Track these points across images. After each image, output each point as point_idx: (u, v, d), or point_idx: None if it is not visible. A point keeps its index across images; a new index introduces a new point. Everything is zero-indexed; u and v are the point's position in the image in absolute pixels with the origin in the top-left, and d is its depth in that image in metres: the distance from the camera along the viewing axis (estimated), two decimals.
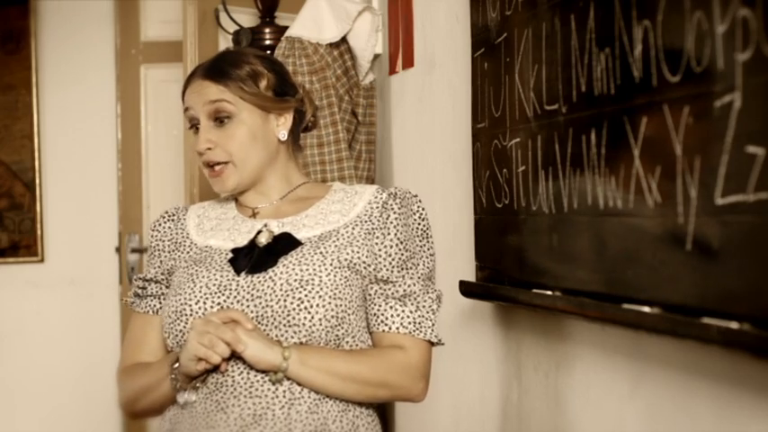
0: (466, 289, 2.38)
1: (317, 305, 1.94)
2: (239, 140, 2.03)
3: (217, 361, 1.91)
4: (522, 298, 2.12)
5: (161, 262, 2.10)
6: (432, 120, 2.84)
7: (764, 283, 1.34)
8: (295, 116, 2.09)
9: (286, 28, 3.34)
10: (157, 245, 2.12)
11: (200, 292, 1.99)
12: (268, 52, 3.42)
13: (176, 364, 1.95)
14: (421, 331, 1.99)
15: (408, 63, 3.01)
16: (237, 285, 1.98)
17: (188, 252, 2.08)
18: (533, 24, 2.04)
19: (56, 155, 4.62)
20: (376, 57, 3.32)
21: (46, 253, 4.61)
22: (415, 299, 2.01)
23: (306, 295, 1.94)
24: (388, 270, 1.99)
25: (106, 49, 4.62)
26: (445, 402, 2.76)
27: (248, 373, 1.95)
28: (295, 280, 1.96)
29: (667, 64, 1.55)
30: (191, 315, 1.98)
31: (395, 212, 2.02)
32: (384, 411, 2.17)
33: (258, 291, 1.97)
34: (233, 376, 1.95)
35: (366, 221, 2.02)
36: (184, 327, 1.98)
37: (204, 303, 1.98)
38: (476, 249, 2.37)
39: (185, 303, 1.99)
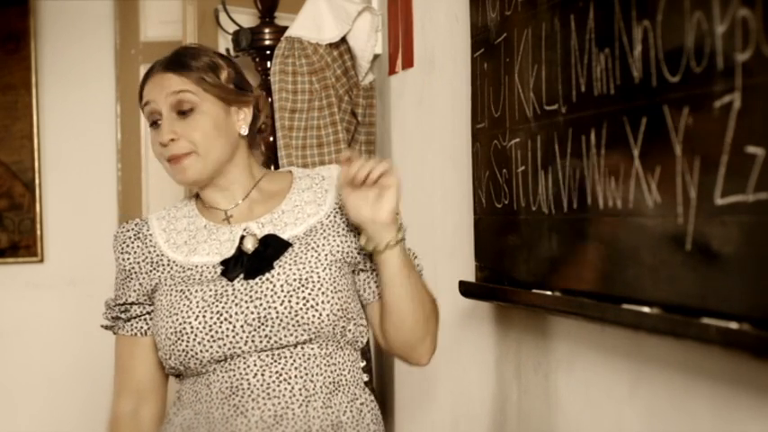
0: (466, 289, 2.38)
1: (323, 302, 1.95)
2: (203, 131, 2.01)
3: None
4: (521, 298, 2.11)
5: (140, 284, 2.07)
6: (432, 120, 2.84)
7: (764, 283, 1.34)
8: (255, 112, 2.10)
9: (286, 28, 3.34)
10: (133, 267, 2.07)
11: (196, 306, 1.97)
12: (267, 52, 3.43)
13: None
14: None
15: (408, 63, 3.01)
16: (234, 290, 1.98)
17: (169, 271, 2.04)
18: (533, 24, 2.04)
19: (56, 155, 4.61)
20: (376, 57, 3.32)
21: (46, 253, 4.60)
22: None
23: (309, 293, 1.95)
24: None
25: (106, 49, 4.61)
26: (445, 402, 2.75)
27: (263, 375, 1.95)
28: (294, 279, 1.96)
29: (667, 64, 1.55)
30: (191, 333, 1.96)
31: None
32: (384, 411, 2.16)
33: (257, 293, 1.97)
34: (248, 379, 1.95)
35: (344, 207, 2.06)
36: (187, 346, 1.97)
37: (204, 317, 1.97)
38: (476, 249, 2.37)
39: (184, 322, 1.97)
